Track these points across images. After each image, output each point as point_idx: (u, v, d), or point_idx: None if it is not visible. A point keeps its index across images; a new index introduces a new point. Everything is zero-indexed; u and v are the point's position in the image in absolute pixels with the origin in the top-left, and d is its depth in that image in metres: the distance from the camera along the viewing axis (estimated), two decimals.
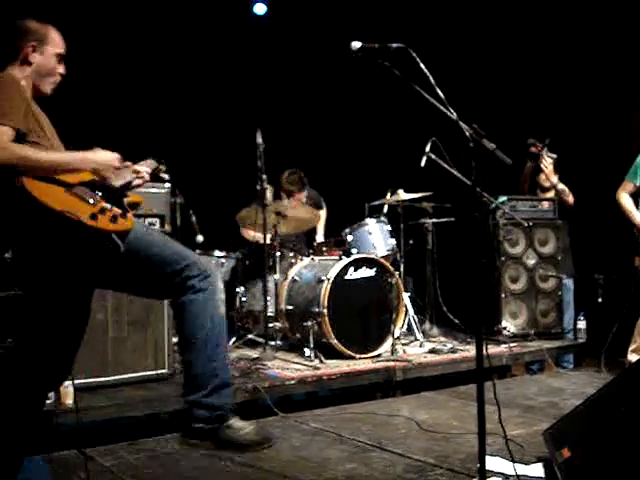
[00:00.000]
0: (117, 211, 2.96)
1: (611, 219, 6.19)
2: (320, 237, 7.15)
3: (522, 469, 3.40)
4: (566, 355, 6.65)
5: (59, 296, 2.91)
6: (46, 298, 2.90)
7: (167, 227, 4.72)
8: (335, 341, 5.54)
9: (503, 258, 6.57)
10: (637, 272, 5.88)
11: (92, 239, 2.83)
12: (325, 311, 5.51)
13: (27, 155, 2.77)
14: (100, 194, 2.97)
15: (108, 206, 2.93)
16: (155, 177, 3.55)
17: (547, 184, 6.91)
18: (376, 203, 6.65)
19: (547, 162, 6.69)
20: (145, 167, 3.40)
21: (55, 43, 3.22)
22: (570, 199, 6.81)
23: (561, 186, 6.80)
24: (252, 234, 6.43)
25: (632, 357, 5.77)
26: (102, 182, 3.02)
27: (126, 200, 3.15)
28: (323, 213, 7.14)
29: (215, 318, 3.07)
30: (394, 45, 3.04)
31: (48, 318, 2.93)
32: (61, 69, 3.25)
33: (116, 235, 2.90)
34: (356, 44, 3.09)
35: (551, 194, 6.94)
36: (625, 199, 5.89)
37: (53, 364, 2.98)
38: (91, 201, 2.88)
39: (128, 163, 3.29)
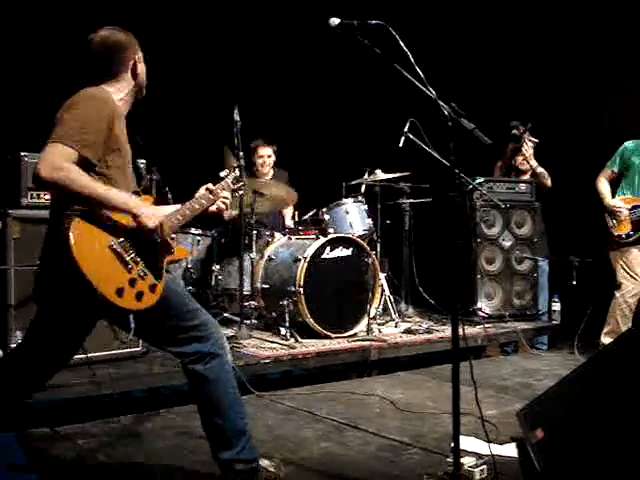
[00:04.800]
0: (149, 281, 2.85)
1: (586, 202, 6.25)
2: (289, 220, 7.02)
3: (496, 449, 3.42)
4: (540, 336, 6.71)
5: (66, 315, 2.90)
6: (54, 311, 2.91)
7: None
8: (311, 320, 5.53)
9: (479, 239, 6.58)
10: (610, 258, 5.99)
11: (108, 307, 2.74)
12: (301, 290, 5.49)
13: (74, 181, 2.61)
14: (142, 252, 2.85)
15: (142, 273, 2.82)
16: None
17: (524, 167, 6.93)
18: (353, 183, 6.61)
19: (528, 145, 6.73)
20: (224, 191, 3.24)
21: (138, 46, 3.10)
22: (548, 182, 6.84)
23: (540, 169, 6.82)
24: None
25: (605, 339, 5.86)
26: (153, 234, 2.87)
27: (169, 258, 2.99)
28: None
29: (233, 379, 3.09)
30: (373, 22, 3.00)
31: (49, 327, 2.95)
32: None
33: (134, 314, 2.84)
34: (334, 20, 3.05)
35: (526, 177, 6.96)
36: (602, 184, 6.09)
37: (38, 364, 3.01)
38: (129, 266, 2.77)
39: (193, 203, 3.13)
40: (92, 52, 2.98)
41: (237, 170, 3.40)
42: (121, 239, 2.79)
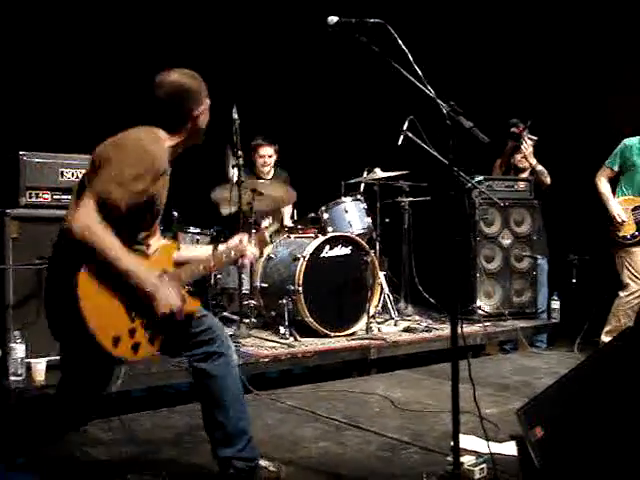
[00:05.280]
0: (151, 332, 2.79)
1: (586, 200, 6.23)
2: (287, 220, 6.99)
3: (495, 447, 3.41)
4: (540, 335, 6.71)
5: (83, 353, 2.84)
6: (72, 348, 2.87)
7: None
8: (310, 319, 5.53)
9: (478, 238, 6.57)
10: (615, 259, 5.99)
11: (102, 355, 2.69)
12: (300, 289, 5.48)
13: (105, 249, 2.55)
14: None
15: (146, 322, 2.75)
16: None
17: (523, 165, 6.93)
18: (352, 181, 6.61)
19: (528, 143, 6.73)
20: (251, 248, 3.20)
21: (207, 94, 3.02)
22: (548, 180, 6.84)
23: (540, 167, 6.83)
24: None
25: (606, 338, 5.85)
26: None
27: None
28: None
29: (237, 378, 3.12)
30: (371, 20, 3.00)
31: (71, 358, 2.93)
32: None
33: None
34: (332, 19, 3.04)
35: (525, 175, 6.96)
36: (603, 184, 6.05)
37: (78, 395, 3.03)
38: (133, 313, 2.71)
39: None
40: (157, 98, 2.90)
41: (276, 223, 3.40)
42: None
